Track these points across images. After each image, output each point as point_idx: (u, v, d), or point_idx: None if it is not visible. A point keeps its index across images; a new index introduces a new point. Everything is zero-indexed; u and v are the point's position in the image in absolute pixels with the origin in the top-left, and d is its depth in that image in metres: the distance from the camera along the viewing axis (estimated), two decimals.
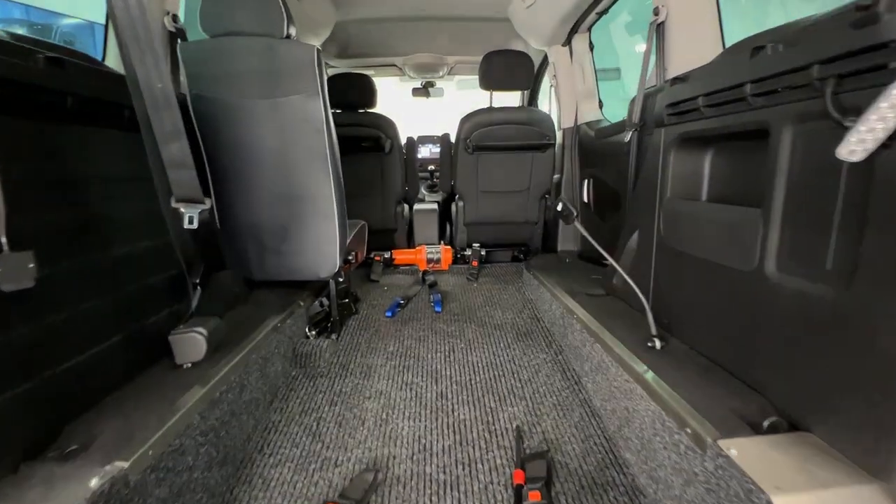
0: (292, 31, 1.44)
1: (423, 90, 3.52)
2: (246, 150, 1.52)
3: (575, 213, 1.43)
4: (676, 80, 1.23)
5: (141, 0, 0.81)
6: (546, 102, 3.25)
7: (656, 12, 1.45)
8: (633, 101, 1.63)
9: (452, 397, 1.43)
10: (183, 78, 1.47)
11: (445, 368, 1.60)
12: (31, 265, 0.74)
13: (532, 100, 3.32)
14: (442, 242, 3.04)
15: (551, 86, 2.62)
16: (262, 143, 1.51)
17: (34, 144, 0.84)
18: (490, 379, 1.53)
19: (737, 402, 0.91)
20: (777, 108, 0.87)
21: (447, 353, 1.70)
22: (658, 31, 1.48)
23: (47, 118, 0.86)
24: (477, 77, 2.42)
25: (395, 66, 3.25)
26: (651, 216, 1.36)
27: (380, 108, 2.65)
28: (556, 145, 2.53)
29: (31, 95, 0.81)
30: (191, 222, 1.02)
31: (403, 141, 2.70)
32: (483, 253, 2.70)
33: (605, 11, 2.03)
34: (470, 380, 1.53)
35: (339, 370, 1.61)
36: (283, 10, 1.40)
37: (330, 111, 1.53)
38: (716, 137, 1.15)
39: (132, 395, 0.99)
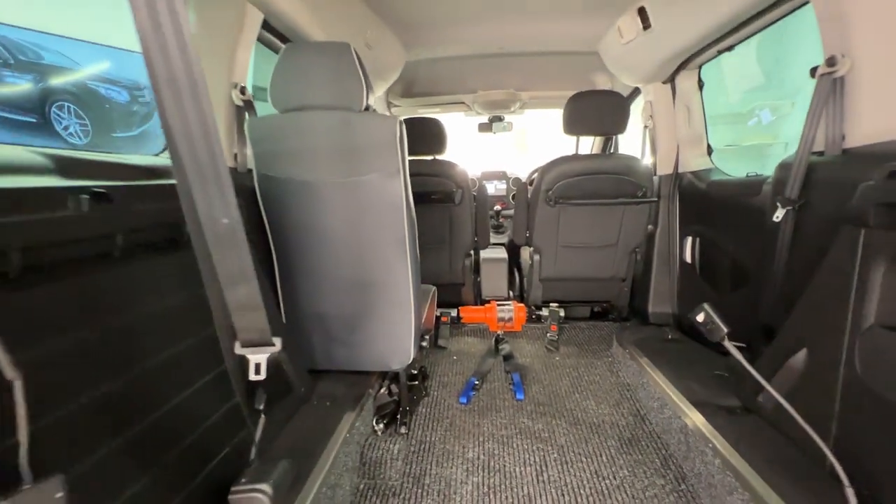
0: (371, 101, 1.25)
1: (488, 125, 3.27)
2: (315, 233, 1.34)
3: (725, 331, 1.10)
4: None
5: (209, 130, 0.62)
6: (624, 143, 2.90)
7: (832, 63, 1.11)
8: (786, 167, 1.28)
9: None
10: (250, 153, 1.31)
11: (540, 494, 1.32)
12: (60, 495, 0.55)
13: (610, 140, 2.98)
14: (511, 294, 2.76)
15: (645, 126, 2.28)
16: (333, 226, 1.33)
17: (62, 306, 0.66)
18: None
19: None
20: None
21: (538, 468, 1.42)
22: (833, 87, 1.13)
23: (89, 268, 0.69)
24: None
25: (463, 103, 3.03)
26: (834, 341, 1.02)
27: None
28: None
29: (71, 250, 0.64)
30: (258, 371, 0.83)
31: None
32: (562, 314, 2.39)
33: (731, 48, 1.69)
34: None
35: (412, 485, 1.37)
36: (363, 80, 1.21)
37: (410, 190, 1.32)
38: None
39: None
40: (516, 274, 3.01)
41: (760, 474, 1.06)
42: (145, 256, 0.82)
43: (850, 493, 0.89)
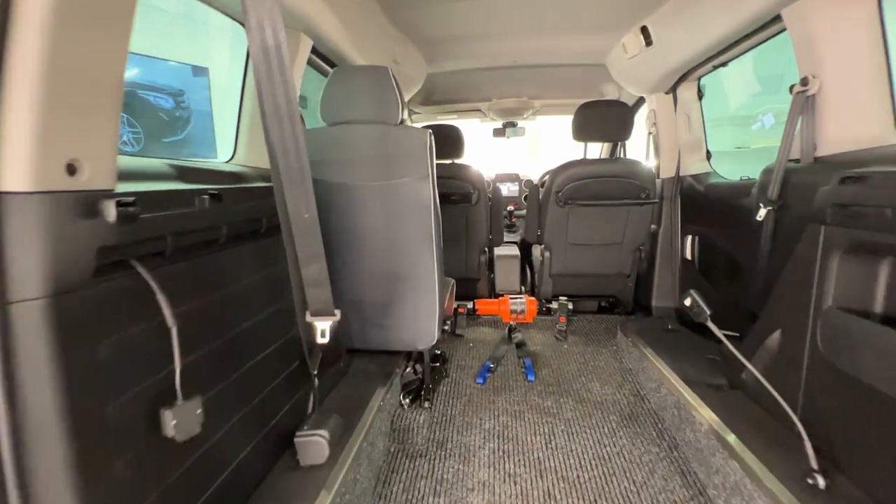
0: (405, 115, 1.46)
1: (502, 130, 3.47)
2: (354, 230, 1.56)
3: (708, 313, 1.29)
4: (848, 179, 1.07)
5: (299, 146, 0.83)
6: (631, 147, 3.07)
7: (805, 83, 1.29)
8: (768, 172, 1.45)
9: (561, 499, 1.34)
10: None
11: (548, 458, 1.51)
12: (199, 411, 0.77)
13: (617, 145, 3.15)
14: (523, 289, 2.95)
15: (649, 133, 2.45)
16: (369, 223, 1.54)
17: (191, 278, 0.88)
18: (599, 477, 1.42)
19: None
20: None
21: (547, 437, 1.61)
22: (806, 103, 1.31)
23: (204, 251, 0.91)
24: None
25: (478, 110, 3.24)
26: (801, 322, 1.19)
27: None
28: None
29: (195, 236, 0.86)
30: (323, 335, 1.04)
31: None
32: (570, 307, 2.58)
33: (725, 64, 1.86)
34: (578, 476, 1.43)
35: (436, 449, 1.57)
36: (399, 98, 1.42)
37: (437, 192, 1.52)
38: None
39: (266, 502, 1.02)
40: (528, 270, 3.20)
41: (738, 436, 1.24)
42: (240, 243, 1.03)
43: (808, 446, 1.06)
